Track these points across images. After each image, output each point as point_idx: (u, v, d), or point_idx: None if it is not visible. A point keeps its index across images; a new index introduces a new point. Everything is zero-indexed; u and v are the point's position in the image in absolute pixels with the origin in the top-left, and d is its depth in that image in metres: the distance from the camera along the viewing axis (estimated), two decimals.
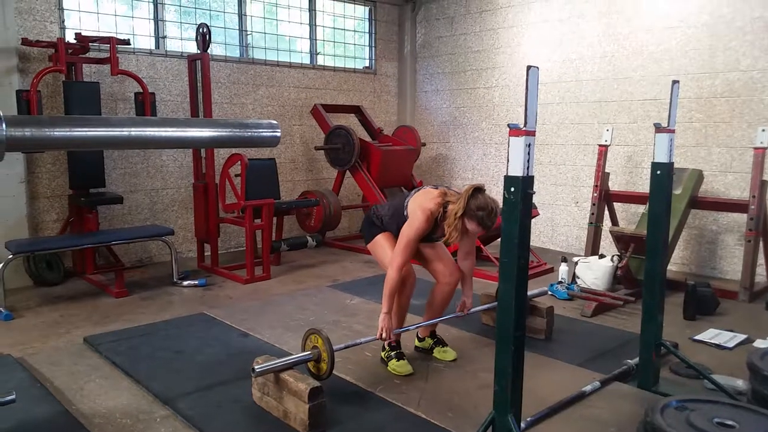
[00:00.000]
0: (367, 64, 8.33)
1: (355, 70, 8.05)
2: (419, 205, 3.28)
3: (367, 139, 7.28)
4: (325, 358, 2.95)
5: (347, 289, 5.21)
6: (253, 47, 7.06)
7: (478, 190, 3.16)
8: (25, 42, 5.14)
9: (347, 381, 3.29)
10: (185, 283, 5.36)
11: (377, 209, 3.60)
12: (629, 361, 3.38)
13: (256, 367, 2.79)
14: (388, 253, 3.38)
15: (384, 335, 3.18)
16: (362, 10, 8.23)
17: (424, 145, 7.54)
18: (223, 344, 3.88)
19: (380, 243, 3.49)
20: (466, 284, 3.61)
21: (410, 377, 3.34)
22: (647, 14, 6.04)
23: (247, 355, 3.43)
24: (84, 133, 2.34)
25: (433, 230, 3.33)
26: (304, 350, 3.07)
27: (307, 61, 7.61)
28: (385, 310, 3.19)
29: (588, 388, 3.09)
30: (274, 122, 2.97)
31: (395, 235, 3.39)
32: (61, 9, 5.57)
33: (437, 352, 3.67)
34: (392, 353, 3.46)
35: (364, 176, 6.74)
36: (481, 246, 5.75)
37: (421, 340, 3.75)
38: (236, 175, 5.59)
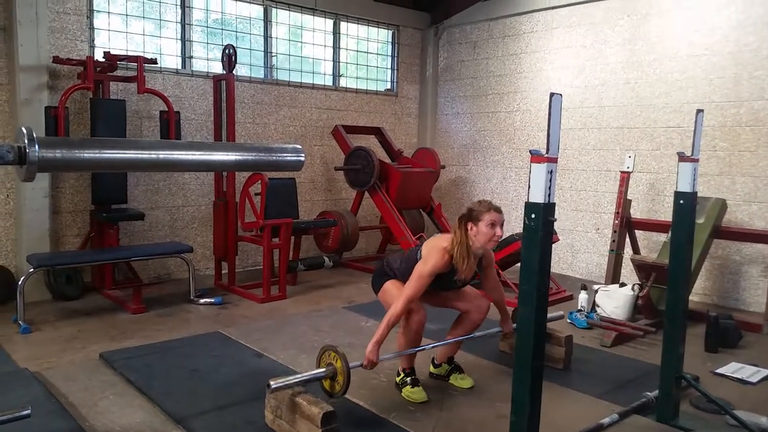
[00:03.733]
0: (389, 87, 8.38)
1: (376, 92, 8.11)
2: (433, 246, 3.25)
3: (387, 160, 7.29)
4: (341, 375, 2.91)
5: (362, 311, 5.18)
6: (277, 68, 7.15)
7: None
8: (56, 60, 5.26)
9: (361, 406, 3.25)
10: (202, 300, 5.38)
11: (389, 261, 3.53)
12: (649, 393, 3.30)
13: (272, 383, 2.77)
14: (390, 292, 3.34)
15: (366, 365, 3.05)
16: (386, 34, 8.31)
17: (443, 167, 7.54)
18: (237, 364, 3.87)
19: (389, 290, 3.40)
20: (503, 312, 3.61)
21: (425, 404, 3.30)
22: (671, 42, 6.01)
23: (261, 376, 3.42)
24: (113, 155, 2.38)
25: (451, 273, 3.25)
26: (319, 367, 3.04)
27: (329, 82, 7.68)
28: (375, 339, 3.07)
29: (606, 420, 3.03)
30: (299, 147, 2.99)
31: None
32: (91, 28, 5.70)
33: (454, 379, 3.62)
34: (407, 379, 3.42)
35: (383, 197, 6.74)
36: (499, 271, 5.70)
37: (437, 366, 3.69)
38: (256, 194, 5.63)
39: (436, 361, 3.71)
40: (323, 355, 3.05)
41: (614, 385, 3.65)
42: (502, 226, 3.19)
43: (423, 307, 3.33)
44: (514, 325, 3.28)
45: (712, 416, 3.26)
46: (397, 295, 3.25)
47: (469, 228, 3.18)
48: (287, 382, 2.82)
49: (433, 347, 3.54)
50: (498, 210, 3.19)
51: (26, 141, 2.04)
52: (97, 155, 2.32)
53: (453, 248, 3.18)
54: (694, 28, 5.85)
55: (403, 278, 3.31)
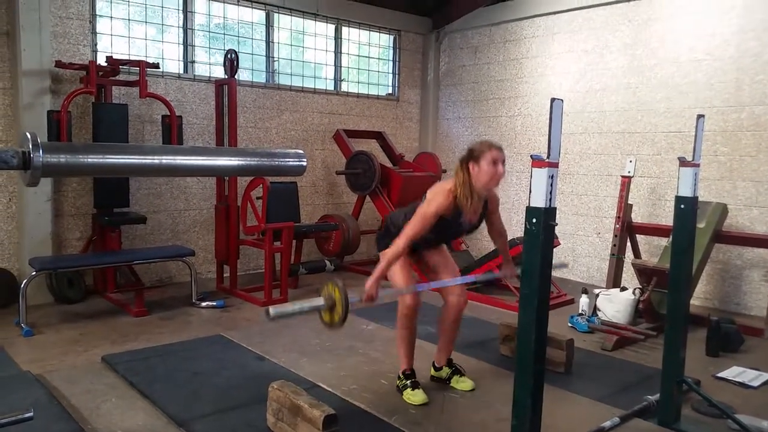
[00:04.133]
0: (390, 91, 8.40)
1: (378, 97, 8.13)
2: (437, 189, 3.26)
3: (388, 164, 7.31)
4: (340, 306, 2.86)
5: (364, 314, 5.18)
6: (279, 73, 7.17)
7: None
8: (59, 64, 5.28)
9: (362, 409, 3.26)
10: (204, 304, 5.38)
11: (393, 218, 3.52)
12: (650, 397, 3.30)
13: (271, 310, 2.73)
14: (396, 277, 3.36)
15: (365, 299, 3.00)
16: (387, 39, 8.34)
17: (444, 171, 7.54)
18: (239, 367, 3.87)
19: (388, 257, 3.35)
20: (505, 255, 3.68)
21: (426, 408, 3.30)
22: (673, 47, 6.03)
23: (263, 379, 3.42)
24: (117, 160, 2.40)
25: (457, 216, 3.25)
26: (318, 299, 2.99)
27: (331, 87, 7.71)
28: (375, 275, 3.04)
29: (607, 424, 3.03)
30: (301, 152, 3.02)
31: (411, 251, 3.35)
32: (94, 33, 5.73)
33: (455, 382, 3.63)
34: (407, 382, 3.43)
35: (384, 201, 6.76)
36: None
37: (437, 369, 3.70)
38: (258, 198, 5.64)
39: (436, 365, 3.72)
40: (323, 289, 2.99)
41: (615, 389, 3.65)
42: (504, 163, 3.17)
43: (415, 295, 3.35)
44: (518, 269, 3.37)
45: (714, 420, 3.26)
46: (395, 268, 3.28)
47: (470, 167, 3.18)
48: (286, 310, 2.80)
49: (429, 288, 3.51)
50: (499, 148, 3.17)
51: (30, 146, 2.06)
52: (101, 160, 2.34)
53: (456, 189, 3.18)
54: (695, 33, 5.87)
55: None
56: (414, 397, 3.35)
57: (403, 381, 3.45)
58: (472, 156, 3.18)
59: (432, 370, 3.73)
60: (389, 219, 3.59)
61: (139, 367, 3.78)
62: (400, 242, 3.11)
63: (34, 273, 4.68)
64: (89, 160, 2.30)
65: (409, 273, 3.42)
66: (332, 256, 6.73)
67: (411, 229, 3.12)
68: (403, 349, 3.46)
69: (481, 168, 3.14)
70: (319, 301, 2.94)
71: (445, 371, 3.67)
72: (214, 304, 5.38)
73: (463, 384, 3.60)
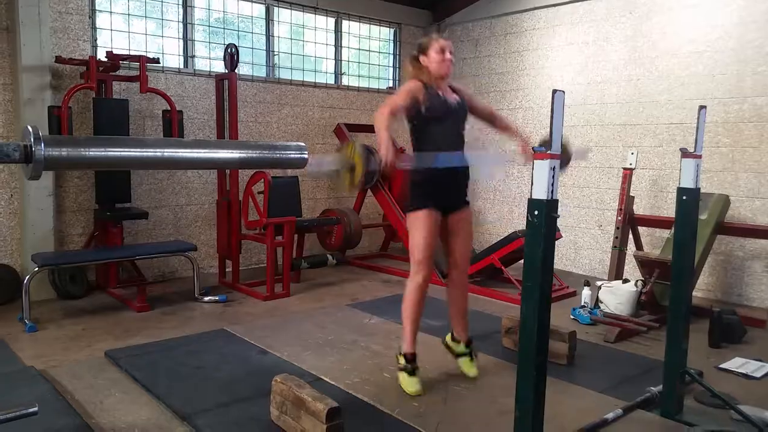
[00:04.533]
0: (391, 85, 8.38)
1: (378, 90, 8.11)
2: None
3: None
4: (359, 167, 2.87)
5: (366, 308, 5.20)
6: (279, 67, 7.16)
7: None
8: (59, 60, 5.27)
9: (365, 402, 3.26)
10: (206, 298, 5.40)
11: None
12: (653, 388, 3.30)
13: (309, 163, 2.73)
14: (418, 242, 3.34)
15: (387, 160, 2.92)
16: (387, 32, 8.32)
17: None
18: (241, 361, 3.88)
19: (419, 222, 3.36)
20: (511, 131, 3.69)
21: (429, 400, 3.31)
22: (673, 38, 6.01)
23: (265, 373, 3.43)
24: (118, 153, 2.39)
25: (436, 97, 3.33)
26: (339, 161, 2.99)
27: (331, 81, 7.69)
28: (384, 144, 3.00)
29: (610, 415, 3.03)
30: (302, 144, 3.00)
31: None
32: (94, 28, 5.72)
33: (464, 363, 3.63)
34: (408, 366, 3.39)
35: (386, 195, 6.75)
36: (502, 268, 5.71)
37: (455, 339, 3.70)
38: (259, 192, 5.64)
39: (455, 335, 3.71)
40: (343, 150, 2.99)
41: (618, 381, 3.65)
42: (451, 52, 3.34)
43: (431, 267, 3.38)
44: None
45: (717, 411, 3.26)
46: (421, 234, 3.32)
47: (421, 60, 3.39)
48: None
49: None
50: (445, 38, 3.37)
51: (32, 139, 2.06)
52: (103, 153, 2.33)
53: (416, 77, 3.38)
54: (695, 24, 5.85)
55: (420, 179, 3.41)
56: (409, 385, 3.33)
57: (403, 363, 3.41)
58: (420, 49, 3.40)
59: (449, 337, 3.73)
60: (412, 167, 3.53)
61: (142, 362, 3.79)
62: (383, 109, 3.18)
63: (36, 269, 4.69)
64: (91, 153, 2.30)
65: (432, 241, 3.36)
66: (334, 250, 6.73)
67: (391, 100, 3.26)
68: (408, 327, 3.41)
69: (430, 57, 3.35)
70: (339, 163, 2.95)
71: (461, 348, 3.66)
72: (217, 298, 5.39)
73: (469, 368, 3.61)
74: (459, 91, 3.52)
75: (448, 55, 3.32)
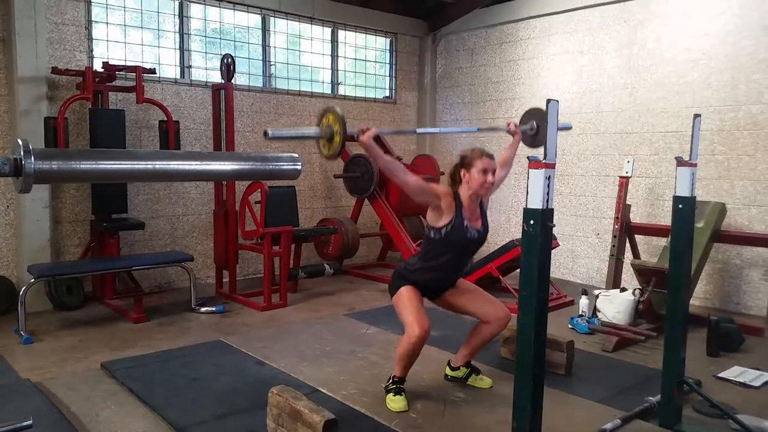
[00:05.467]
0: (387, 94, 8.41)
1: (375, 100, 8.13)
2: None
3: None
4: (338, 137, 2.83)
5: (363, 318, 5.18)
6: (275, 77, 7.18)
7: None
8: (55, 71, 5.27)
9: (363, 414, 3.25)
10: (203, 309, 5.38)
11: (408, 261, 3.53)
12: (651, 398, 3.29)
13: (269, 130, 2.67)
14: (408, 314, 3.26)
15: (357, 132, 2.92)
16: (383, 42, 8.35)
17: (442, 173, 7.53)
18: (238, 372, 3.86)
19: (402, 296, 3.34)
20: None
21: (427, 411, 3.29)
22: (668, 47, 6.04)
23: (262, 385, 3.41)
24: (110, 166, 2.38)
25: (460, 222, 3.26)
26: (319, 128, 2.97)
27: (328, 90, 7.71)
28: (374, 151, 2.99)
29: (608, 426, 3.02)
30: (295, 155, 2.99)
31: (423, 287, 3.38)
32: (90, 39, 5.72)
33: (473, 380, 3.63)
34: (393, 387, 3.36)
35: (383, 204, 6.75)
36: (500, 277, 5.70)
37: (454, 369, 3.69)
38: (256, 202, 5.63)
39: (453, 364, 3.70)
40: (322, 118, 2.96)
41: (616, 390, 3.64)
42: (494, 173, 3.28)
43: (428, 323, 3.25)
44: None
45: (715, 421, 3.26)
46: (408, 307, 3.27)
47: (462, 174, 3.31)
48: (284, 133, 2.81)
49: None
50: (490, 156, 3.28)
51: (22, 153, 2.05)
52: (94, 166, 2.33)
53: (450, 185, 3.36)
54: (690, 32, 5.88)
55: (418, 277, 3.37)
56: (394, 403, 3.30)
57: (389, 384, 3.40)
58: (463, 163, 3.31)
59: (448, 369, 3.72)
60: (405, 263, 3.54)
61: (139, 374, 3.77)
62: (391, 158, 3.20)
63: (32, 280, 4.67)
64: (82, 166, 2.29)
65: (419, 306, 3.31)
66: (331, 259, 6.72)
67: (410, 173, 3.19)
68: (401, 365, 3.35)
69: (471, 176, 3.25)
70: (317, 130, 2.92)
71: (463, 371, 3.67)
72: (214, 309, 5.37)
73: (481, 382, 3.62)
74: (485, 198, 3.46)
75: (490, 178, 3.23)
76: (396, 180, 3.18)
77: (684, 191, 3.03)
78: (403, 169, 3.18)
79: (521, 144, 3.76)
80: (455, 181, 3.35)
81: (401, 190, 3.19)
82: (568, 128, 3.89)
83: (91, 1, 5.71)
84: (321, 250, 6.88)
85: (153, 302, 5.64)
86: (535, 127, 3.69)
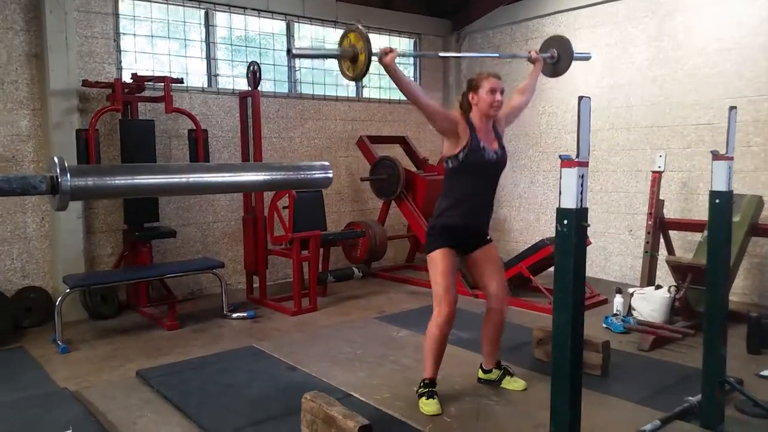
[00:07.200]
0: None
1: (400, 101, 8.10)
2: None
3: (413, 169, 7.27)
4: (362, 55, 2.84)
5: (394, 321, 5.16)
6: (301, 82, 7.21)
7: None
8: (86, 83, 5.37)
9: (396, 419, 3.23)
10: (234, 315, 5.41)
11: (436, 207, 3.48)
12: (691, 398, 3.21)
13: (293, 49, 2.73)
14: (439, 288, 3.28)
15: (380, 53, 3.01)
16: (407, 43, 8.32)
17: None
18: (271, 378, 3.88)
19: (436, 266, 3.32)
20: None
21: (461, 415, 3.26)
22: (699, 37, 5.90)
23: (295, 390, 3.41)
24: (144, 181, 2.40)
25: (476, 143, 3.28)
26: (341, 47, 2.98)
27: (353, 94, 7.72)
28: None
29: (648, 427, 2.95)
30: (327, 164, 2.98)
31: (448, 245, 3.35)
32: (118, 51, 5.82)
33: (506, 383, 3.60)
34: (425, 390, 3.36)
35: (410, 206, 6.73)
36: (531, 277, 5.63)
37: (486, 371, 3.66)
38: (284, 208, 5.66)
39: (484, 367, 3.68)
40: (344, 39, 2.96)
41: (655, 391, 3.56)
42: (502, 92, 3.33)
43: (455, 300, 3.29)
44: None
45: (759, 421, 3.16)
46: (439, 281, 3.27)
47: (470, 98, 3.34)
48: (308, 52, 3.13)
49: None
50: (496, 76, 3.34)
51: (58, 170, 2.07)
52: (128, 181, 2.35)
53: (462, 111, 3.38)
54: (721, 22, 5.73)
55: (448, 222, 3.36)
56: (427, 406, 3.29)
57: (421, 389, 3.38)
58: (470, 86, 3.36)
59: (480, 372, 3.69)
60: (435, 213, 3.50)
61: (174, 381, 3.81)
62: (422, 98, 3.22)
63: (68, 290, 4.75)
64: (116, 181, 2.31)
65: (451, 279, 3.31)
66: (360, 263, 6.72)
67: (433, 102, 3.30)
68: (430, 359, 3.36)
69: (480, 97, 3.31)
70: (341, 50, 2.93)
71: (495, 373, 3.64)
72: (245, 314, 5.41)
73: (515, 384, 3.58)
74: (497, 123, 3.47)
75: (498, 96, 3.28)
76: (418, 103, 3.22)
77: (720, 185, 2.95)
78: (424, 93, 3.25)
79: (542, 76, 3.88)
80: (465, 109, 3.37)
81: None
82: (587, 58, 3.90)
83: (118, 14, 5.81)
84: (349, 253, 6.89)
85: (186, 309, 5.70)
86: (556, 55, 3.69)
